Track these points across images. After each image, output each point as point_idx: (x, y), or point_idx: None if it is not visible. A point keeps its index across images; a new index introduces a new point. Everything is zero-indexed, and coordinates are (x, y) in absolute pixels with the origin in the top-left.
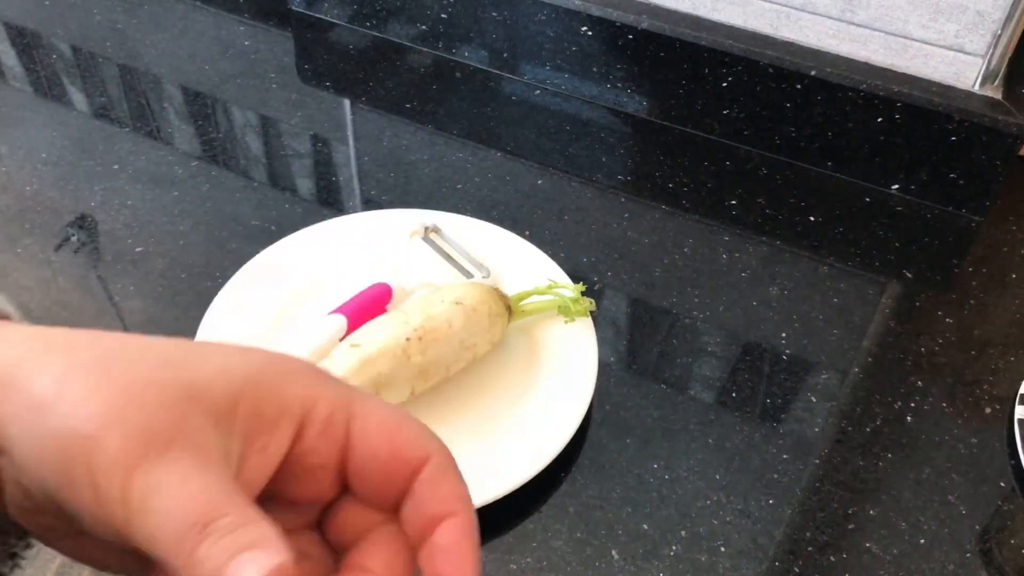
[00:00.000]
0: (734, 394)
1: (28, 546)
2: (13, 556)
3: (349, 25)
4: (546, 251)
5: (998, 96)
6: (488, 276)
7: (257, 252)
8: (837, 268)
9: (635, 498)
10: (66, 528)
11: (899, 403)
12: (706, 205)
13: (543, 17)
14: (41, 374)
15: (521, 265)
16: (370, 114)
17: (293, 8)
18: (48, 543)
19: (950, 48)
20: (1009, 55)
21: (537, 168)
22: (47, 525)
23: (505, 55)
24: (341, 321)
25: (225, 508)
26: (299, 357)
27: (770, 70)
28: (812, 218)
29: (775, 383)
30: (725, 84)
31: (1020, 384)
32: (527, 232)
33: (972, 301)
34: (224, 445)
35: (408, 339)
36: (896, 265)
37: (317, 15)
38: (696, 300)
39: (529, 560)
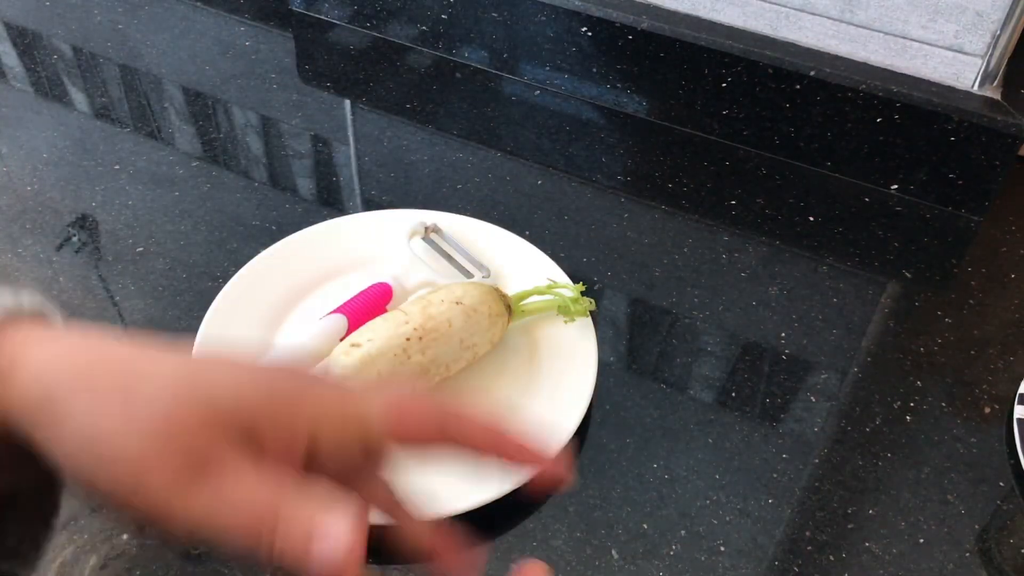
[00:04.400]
0: (734, 394)
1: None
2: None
3: (349, 25)
4: (546, 251)
5: (997, 96)
6: (488, 276)
7: (257, 252)
8: (837, 268)
9: (635, 498)
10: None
11: (898, 403)
12: (706, 205)
13: (543, 17)
14: (75, 401)
15: (521, 265)
16: (370, 114)
17: (293, 8)
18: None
19: (949, 48)
20: (1008, 55)
21: (537, 168)
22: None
23: (505, 55)
24: (341, 321)
25: (285, 491)
26: (297, 367)
27: (770, 70)
28: (812, 218)
29: (775, 383)
30: (725, 84)
31: (1019, 384)
32: (527, 232)
33: (971, 301)
34: (254, 452)
35: (408, 339)
36: (895, 265)
37: (317, 15)
38: (696, 300)
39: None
